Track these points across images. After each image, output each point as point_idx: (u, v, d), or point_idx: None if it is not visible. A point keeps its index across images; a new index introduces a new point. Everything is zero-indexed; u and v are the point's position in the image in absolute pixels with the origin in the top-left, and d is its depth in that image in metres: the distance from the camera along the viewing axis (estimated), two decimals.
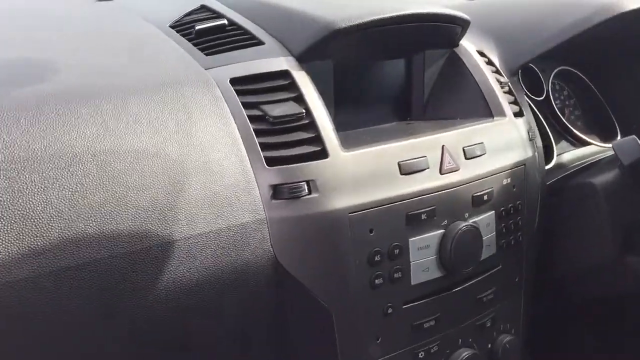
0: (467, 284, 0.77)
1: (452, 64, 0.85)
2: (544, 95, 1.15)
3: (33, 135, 0.54)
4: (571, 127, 1.16)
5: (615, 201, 0.87)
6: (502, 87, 0.86)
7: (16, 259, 0.51)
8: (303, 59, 0.70)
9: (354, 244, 0.66)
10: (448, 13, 0.78)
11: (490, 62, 0.91)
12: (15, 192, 0.52)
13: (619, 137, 1.22)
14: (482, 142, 0.78)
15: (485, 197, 0.77)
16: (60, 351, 0.57)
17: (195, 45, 0.72)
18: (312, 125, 0.66)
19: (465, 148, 0.75)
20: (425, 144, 0.72)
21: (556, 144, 1.15)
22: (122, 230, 0.56)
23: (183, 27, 0.77)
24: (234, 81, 0.67)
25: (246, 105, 0.65)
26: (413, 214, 0.70)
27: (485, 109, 0.83)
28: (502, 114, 0.83)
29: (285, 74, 0.68)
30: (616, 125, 1.24)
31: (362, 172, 0.67)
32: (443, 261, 0.73)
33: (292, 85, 0.68)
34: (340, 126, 0.77)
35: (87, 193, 0.55)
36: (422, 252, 0.71)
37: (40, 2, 0.88)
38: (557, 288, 0.97)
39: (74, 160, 0.55)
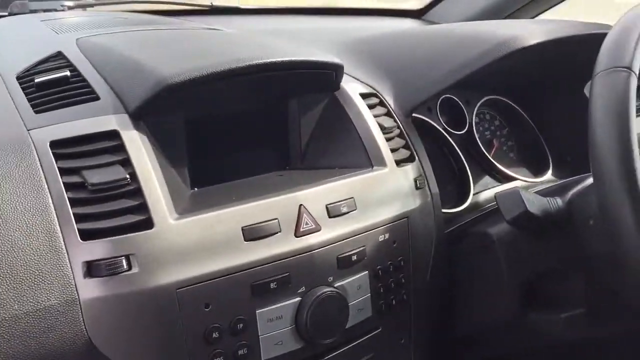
0: (335, 353, 0.71)
1: (332, 109, 0.80)
2: (465, 128, 1.09)
3: None
4: (495, 162, 1.09)
5: (512, 253, 0.80)
6: (387, 133, 0.80)
7: None
8: (138, 116, 0.65)
9: (185, 322, 0.60)
10: (308, 60, 0.72)
11: (382, 104, 0.85)
12: None
13: (549, 171, 1.15)
14: (351, 198, 0.71)
15: (355, 258, 0.71)
16: None
17: (30, 100, 0.67)
18: (138, 192, 0.60)
19: (328, 206, 0.69)
20: (278, 204, 0.66)
21: (477, 181, 1.08)
22: None
23: (28, 78, 0.71)
24: (54, 144, 0.61)
25: (64, 172, 0.60)
26: (259, 284, 0.64)
27: (364, 158, 0.77)
28: (382, 163, 0.77)
29: (112, 135, 0.63)
30: (549, 157, 1.17)
31: (196, 241, 0.61)
32: (300, 332, 0.67)
33: (120, 147, 0.62)
34: (200, 183, 0.72)
35: None
36: (274, 324, 0.65)
37: None
38: (462, 346, 0.90)
39: None
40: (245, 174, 0.77)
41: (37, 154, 0.60)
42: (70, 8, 1.06)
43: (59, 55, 0.76)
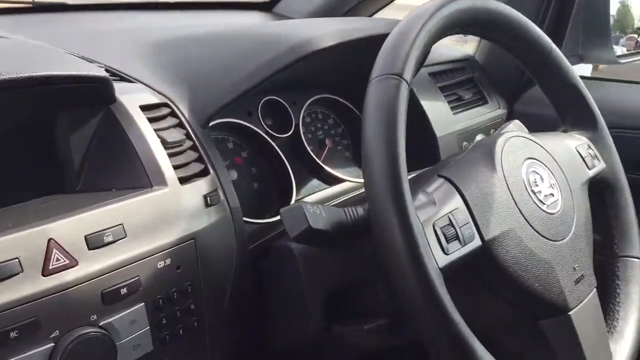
0: None
1: (108, 125, 0.72)
2: (291, 131, 1.05)
3: None
4: (322, 164, 1.06)
5: (314, 267, 0.77)
6: (172, 147, 0.74)
7: None
8: None
9: None
10: (63, 74, 0.65)
11: (174, 115, 0.79)
12: None
13: None
14: (119, 225, 0.65)
15: (125, 290, 0.64)
16: None
17: None
18: None
19: (88, 237, 0.62)
20: (21, 241, 0.59)
21: (303, 185, 1.05)
22: None
23: None
24: None
25: None
26: None
27: (143, 178, 0.71)
28: (162, 182, 0.71)
29: None
30: None
31: None
32: None
33: None
34: None
35: None
36: None
37: None
38: None
39: None
40: (5, 202, 0.68)
41: None
42: None
43: None
